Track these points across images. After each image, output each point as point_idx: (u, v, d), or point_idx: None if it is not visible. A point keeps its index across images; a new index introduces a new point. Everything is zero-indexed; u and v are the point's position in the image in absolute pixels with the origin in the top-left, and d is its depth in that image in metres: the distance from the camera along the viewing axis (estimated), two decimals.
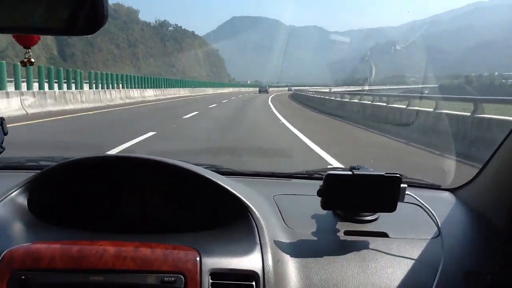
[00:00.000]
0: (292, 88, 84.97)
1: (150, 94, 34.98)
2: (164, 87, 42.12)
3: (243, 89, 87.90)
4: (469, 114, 9.16)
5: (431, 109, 11.05)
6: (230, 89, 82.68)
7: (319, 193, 1.17)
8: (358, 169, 1.21)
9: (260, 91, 69.72)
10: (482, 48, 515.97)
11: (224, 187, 1.21)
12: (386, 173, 1.15)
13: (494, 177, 1.32)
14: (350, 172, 1.17)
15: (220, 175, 1.34)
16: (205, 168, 1.38)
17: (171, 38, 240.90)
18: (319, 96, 32.17)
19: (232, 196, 1.21)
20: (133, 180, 1.30)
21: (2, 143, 1.26)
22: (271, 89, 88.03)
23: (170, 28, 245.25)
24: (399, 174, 1.15)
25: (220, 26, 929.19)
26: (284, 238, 1.18)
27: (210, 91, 54.19)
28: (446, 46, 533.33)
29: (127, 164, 1.29)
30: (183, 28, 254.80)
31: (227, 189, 1.21)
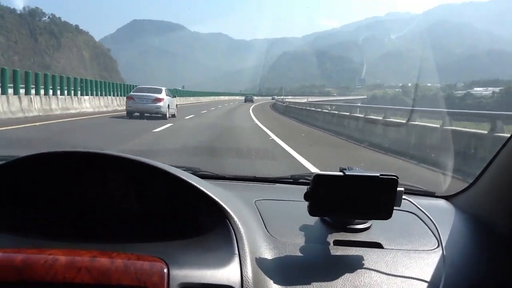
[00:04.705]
0: (275, 97, 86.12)
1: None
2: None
3: None
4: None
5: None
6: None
7: (306, 196, 1.06)
8: (349, 170, 1.09)
9: (246, 101, 73.55)
10: (388, 58, 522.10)
11: (200, 189, 1.08)
12: (381, 174, 1.04)
13: (494, 183, 1.24)
14: (341, 173, 1.05)
15: (197, 177, 1.21)
16: (182, 170, 1.22)
17: (46, 32, 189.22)
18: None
19: (209, 200, 1.08)
20: (98, 181, 1.15)
21: None
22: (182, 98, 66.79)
23: (44, 18, 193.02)
24: (395, 175, 1.04)
25: (120, 29, 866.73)
26: (266, 248, 1.07)
27: None
28: (354, 57, 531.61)
29: (92, 162, 1.13)
30: (63, 20, 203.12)
31: (203, 191, 1.07)
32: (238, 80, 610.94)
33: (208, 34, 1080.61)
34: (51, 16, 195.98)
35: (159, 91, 20.42)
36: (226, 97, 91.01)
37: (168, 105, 20.16)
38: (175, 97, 23.76)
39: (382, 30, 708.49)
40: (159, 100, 19.55)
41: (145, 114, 19.60)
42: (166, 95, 20.57)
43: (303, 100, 64.89)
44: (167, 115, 19.78)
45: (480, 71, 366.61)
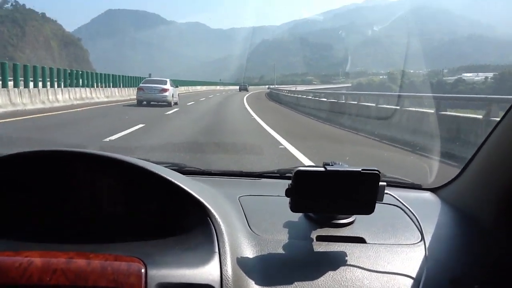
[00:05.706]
0: (270, 86, 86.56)
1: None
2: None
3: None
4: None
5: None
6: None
7: (288, 193, 1.05)
8: (332, 165, 1.07)
9: (240, 89, 76.90)
10: (368, 45, 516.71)
11: (181, 187, 1.06)
12: (362, 169, 1.03)
13: (479, 175, 1.23)
14: (322, 168, 1.04)
15: (180, 174, 1.20)
16: (166, 166, 1.21)
17: (8, 20, 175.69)
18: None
19: (190, 198, 1.06)
20: (78, 179, 1.12)
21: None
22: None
23: (6, 6, 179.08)
24: (377, 170, 1.03)
25: (94, 19, 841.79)
26: (248, 246, 1.06)
27: None
28: (334, 44, 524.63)
29: (72, 161, 1.10)
30: (27, 7, 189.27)
31: (184, 189, 1.06)
32: (216, 70, 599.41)
33: (185, 23, 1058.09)
34: (14, 3, 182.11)
35: (165, 83, 24.41)
36: (204, 88, 76.01)
37: (172, 94, 23.86)
38: (177, 87, 27.69)
39: (361, 17, 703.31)
40: (165, 90, 23.44)
41: (151, 103, 22.90)
42: (170, 85, 24.40)
43: (292, 88, 60.70)
44: (172, 103, 23.31)
45: (461, 57, 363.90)
